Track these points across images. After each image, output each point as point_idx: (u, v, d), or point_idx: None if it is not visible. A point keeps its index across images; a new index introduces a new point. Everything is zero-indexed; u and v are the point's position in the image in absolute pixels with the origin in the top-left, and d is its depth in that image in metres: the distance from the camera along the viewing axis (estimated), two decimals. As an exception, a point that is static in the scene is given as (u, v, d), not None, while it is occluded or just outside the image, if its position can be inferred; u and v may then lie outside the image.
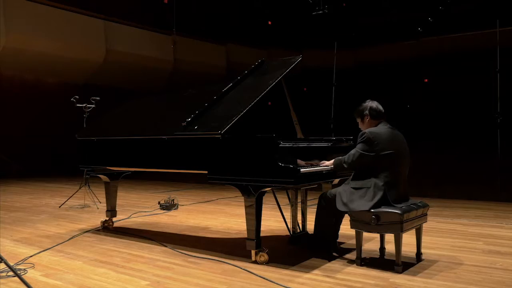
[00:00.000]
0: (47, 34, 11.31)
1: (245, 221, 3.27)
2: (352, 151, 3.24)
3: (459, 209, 5.85)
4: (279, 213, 3.97)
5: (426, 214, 3.32)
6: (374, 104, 3.36)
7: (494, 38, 8.10)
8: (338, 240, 3.66)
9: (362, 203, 3.08)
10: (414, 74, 15.48)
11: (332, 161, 3.41)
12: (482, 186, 8.41)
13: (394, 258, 3.04)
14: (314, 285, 2.78)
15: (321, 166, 3.43)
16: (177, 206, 6.00)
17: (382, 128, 3.24)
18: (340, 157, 3.34)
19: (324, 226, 3.49)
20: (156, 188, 8.54)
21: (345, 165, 3.27)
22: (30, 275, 2.99)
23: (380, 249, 3.49)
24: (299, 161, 3.37)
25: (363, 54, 16.22)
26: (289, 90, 3.95)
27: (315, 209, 3.53)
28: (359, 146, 3.20)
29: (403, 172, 3.23)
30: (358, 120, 3.42)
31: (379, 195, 3.06)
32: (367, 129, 3.25)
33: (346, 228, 3.49)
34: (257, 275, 2.95)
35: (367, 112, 3.33)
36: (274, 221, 4.93)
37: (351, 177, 3.30)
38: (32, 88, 12.58)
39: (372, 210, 3.02)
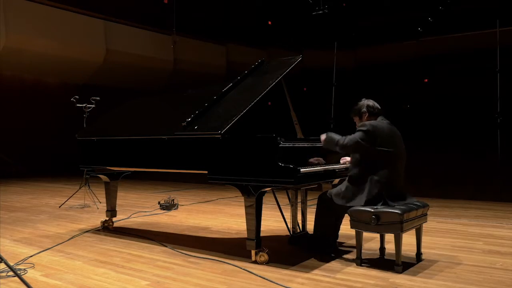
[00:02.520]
0: (47, 34, 11.32)
1: (245, 221, 3.27)
2: (350, 136, 3.22)
3: (459, 209, 5.85)
4: (279, 213, 3.97)
5: (426, 214, 3.32)
6: (370, 101, 3.41)
7: (494, 38, 8.10)
8: (338, 240, 3.66)
9: (358, 199, 3.13)
10: (414, 74, 15.48)
11: (324, 135, 3.39)
12: (482, 186, 8.41)
13: (394, 258, 3.04)
14: (314, 285, 2.78)
15: (322, 166, 3.44)
16: (177, 206, 6.00)
17: (382, 123, 3.26)
18: (334, 135, 3.31)
19: (324, 226, 3.49)
20: (156, 188, 8.54)
21: (337, 146, 3.25)
22: (30, 275, 2.99)
23: (380, 249, 3.49)
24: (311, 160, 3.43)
25: (363, 54, 16.22)
26: (289, 90, 3.96)
27: (315, 209, 3.53)
28: (358, 134, 3.19)
29: (400, 169, 3.25)
30: (356, 119, 3.43)
31: (374, 191, 3.10)
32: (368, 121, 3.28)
33: (346, 228, 3.49)
34: (257, 275, 2.95)
35: (365, 109, 3.37)
36: (274, 221, 4.92)
37: (349, 172, 3.32)
38: (32, 88, 12.58)
39: (371, 210, 3.03)
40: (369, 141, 3.16)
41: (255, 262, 3.23)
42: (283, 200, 4.42)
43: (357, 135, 3.20)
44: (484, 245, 3.80)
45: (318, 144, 3.77)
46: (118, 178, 4.61)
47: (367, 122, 3.25)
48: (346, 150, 3.28)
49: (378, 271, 3.04)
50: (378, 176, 3.13)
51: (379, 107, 3.40)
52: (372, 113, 3.36)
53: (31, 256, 3.48)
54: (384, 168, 3.14)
